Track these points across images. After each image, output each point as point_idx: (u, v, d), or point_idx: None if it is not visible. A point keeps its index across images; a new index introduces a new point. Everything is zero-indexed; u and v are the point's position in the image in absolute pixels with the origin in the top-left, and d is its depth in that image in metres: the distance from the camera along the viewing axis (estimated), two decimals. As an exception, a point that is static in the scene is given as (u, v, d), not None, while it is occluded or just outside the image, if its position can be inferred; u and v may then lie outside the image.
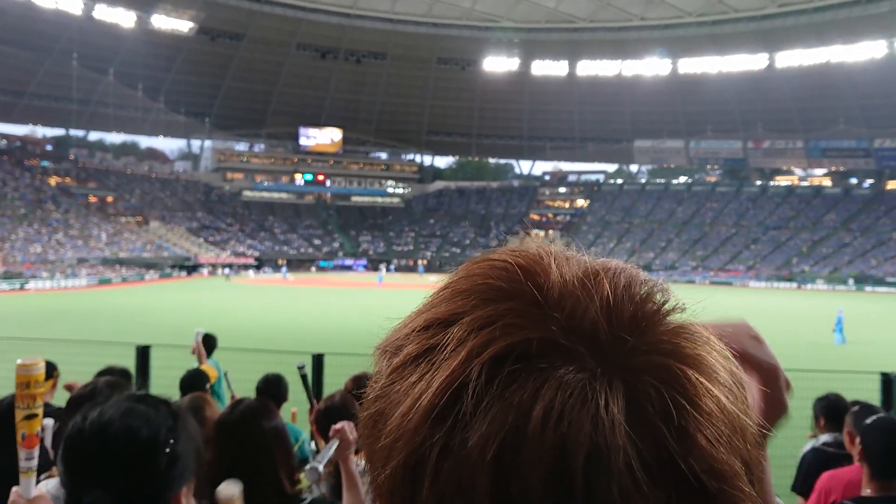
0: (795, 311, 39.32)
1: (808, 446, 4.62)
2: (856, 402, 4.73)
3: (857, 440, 3.27)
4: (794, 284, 68.50)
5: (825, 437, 4.49)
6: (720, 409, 0.45)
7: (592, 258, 0.53)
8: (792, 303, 46.78)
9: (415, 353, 0.48)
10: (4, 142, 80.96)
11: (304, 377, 4.66)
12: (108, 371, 4.71)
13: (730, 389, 0.47)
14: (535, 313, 0.46)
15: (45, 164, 79.65)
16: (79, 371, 6.17)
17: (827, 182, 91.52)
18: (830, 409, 4.58)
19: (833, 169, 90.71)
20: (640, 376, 0.44)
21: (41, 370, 1.72)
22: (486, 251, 0.54)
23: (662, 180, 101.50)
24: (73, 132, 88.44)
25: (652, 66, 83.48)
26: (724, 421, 0.45)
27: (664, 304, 0.50)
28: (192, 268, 69.94)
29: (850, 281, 65.95)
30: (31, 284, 49.00)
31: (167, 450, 1.40)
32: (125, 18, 69.76)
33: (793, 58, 75.52)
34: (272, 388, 5.16)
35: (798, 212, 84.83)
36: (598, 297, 0.47)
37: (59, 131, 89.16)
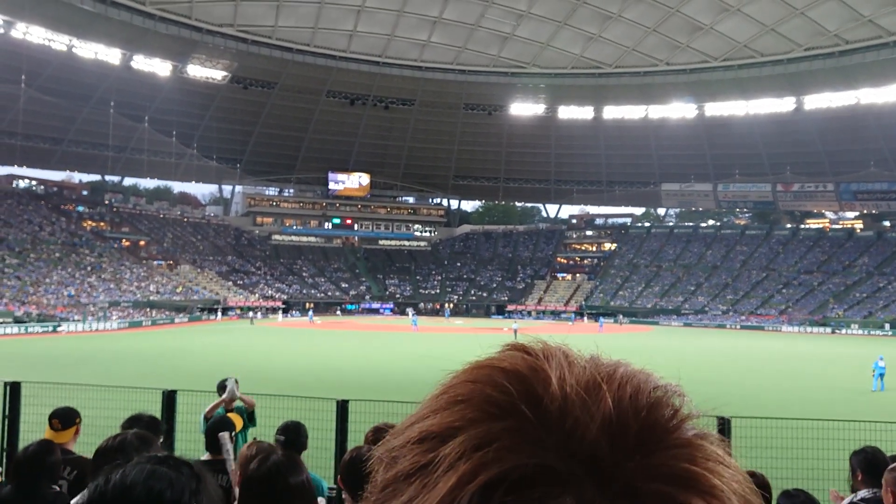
0: (830, 357, 38.41)
1: (846, 501, 4.46)
2: (896, 456, 4.56)
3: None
4: (829, 329, 67.08)
5: (863, 493, 4.33)
6: None
7: (599, 361, 0.50)
8: (827, 348, 45.71)
9: (407, 471, 0.46)
10: (42, 187, 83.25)
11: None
12: (137, 419, 4.71)
13: None
14: (532, 434, 0.43)
15: (81, 208, 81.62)
16: (106, 416, 6.22)
17: (859, 225, 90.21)
18: (868, 463, 4.43)
19: (865, 212, 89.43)
20: None
21: None
22: (488, 358, 0.50)
23: (691, 223, 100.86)
24: (109, 178, 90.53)
25: (678, 110, 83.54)
26: None
27: (675, 414, 0.46)
28: (219, 310, 70.52)
29: (886, 326, 64.44)
30: (64, 327, 49.72)
31: None
32: (161, 68, 71.83)
33: (820, 100, 75.05)
34: (291, 437, 4.99)
35: (830, 255, 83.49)
36: (599, 415, 0.44)
37: (94, 177, 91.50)
